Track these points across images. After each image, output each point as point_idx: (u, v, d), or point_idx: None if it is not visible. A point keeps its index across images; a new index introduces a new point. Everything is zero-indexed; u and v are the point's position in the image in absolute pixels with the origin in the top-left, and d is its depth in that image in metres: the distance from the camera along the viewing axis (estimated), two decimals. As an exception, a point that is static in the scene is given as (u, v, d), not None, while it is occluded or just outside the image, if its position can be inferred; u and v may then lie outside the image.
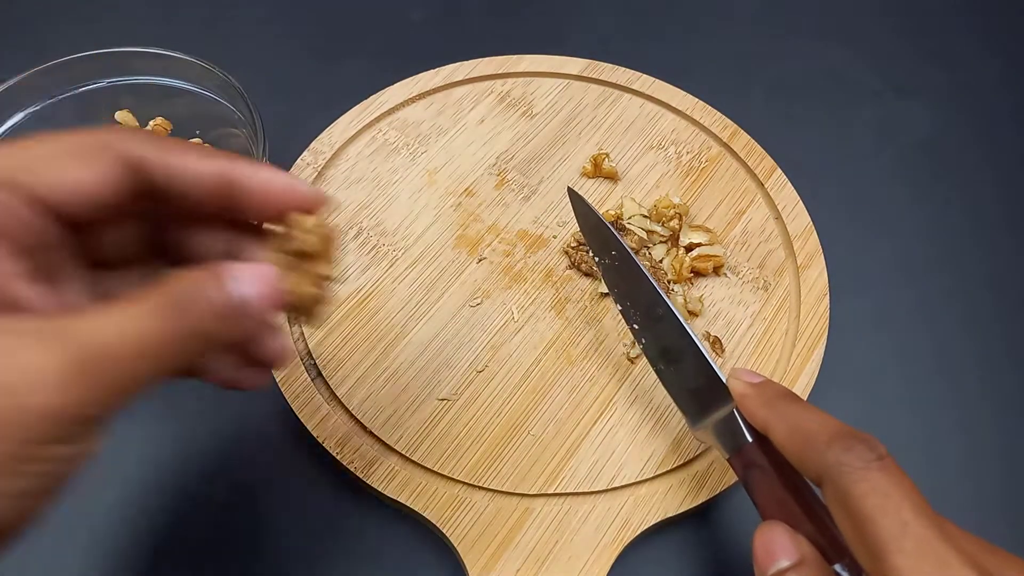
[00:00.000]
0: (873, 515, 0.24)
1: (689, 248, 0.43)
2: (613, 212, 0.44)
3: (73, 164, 0.21)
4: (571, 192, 0.39)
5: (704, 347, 0.33)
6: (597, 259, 0.37)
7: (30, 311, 0.20)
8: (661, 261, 0.42)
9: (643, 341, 0.36)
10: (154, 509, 0.38)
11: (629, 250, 0.36)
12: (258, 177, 0.24)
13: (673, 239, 0.43)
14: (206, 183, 0.23)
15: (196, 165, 0.23)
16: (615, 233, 0.36)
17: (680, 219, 0.43)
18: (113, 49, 0.44)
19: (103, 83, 0.45)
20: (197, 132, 0.46)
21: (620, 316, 0.41)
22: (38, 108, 0.43)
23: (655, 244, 0.43)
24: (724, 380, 0.32)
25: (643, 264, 0.36)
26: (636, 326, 0.36)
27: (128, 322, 0.20)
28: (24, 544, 0.36)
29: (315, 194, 0.25)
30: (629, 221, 0.43)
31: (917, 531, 0.24)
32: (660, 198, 0.44)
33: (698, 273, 0.43)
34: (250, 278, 0.22)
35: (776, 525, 0.27)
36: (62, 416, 0.19)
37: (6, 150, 0.20)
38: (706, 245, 0.43)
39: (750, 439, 0.31)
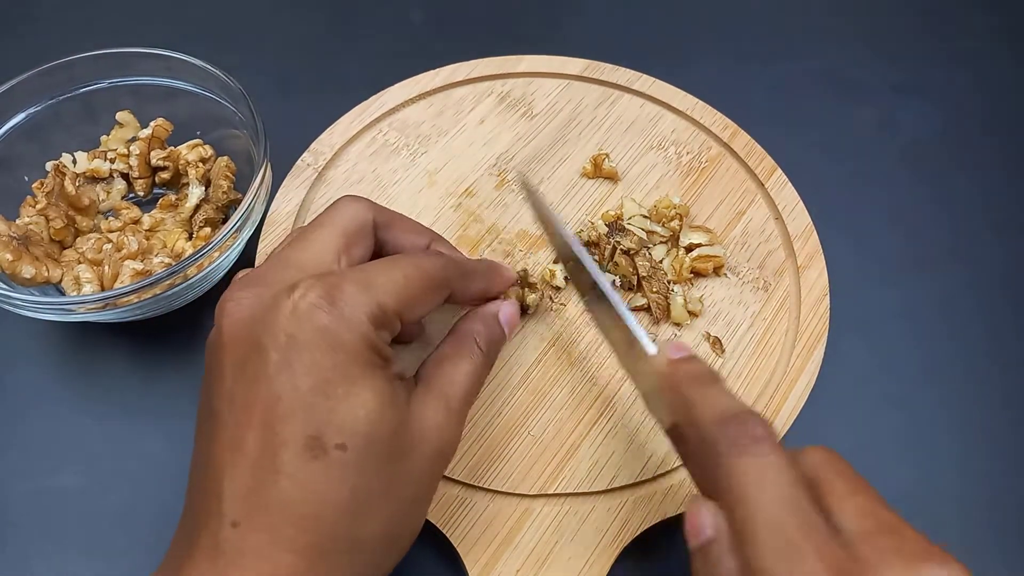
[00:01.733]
0: (736, 502, 0.24)
1: (689, 249, 0.43)
2: (613, 212, 0.44)
3: (430, 301, 0.31)
4: (523, 182, 0.39)
5: (636, 325, 0.32)
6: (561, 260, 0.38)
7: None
8: (661, 262, 0.42)
9: (588, 311, 0.38)
10: (154, 511, 0.38)
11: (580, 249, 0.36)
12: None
13: (673, 240, 0.43)
14: (474, 296, 0.35)
15: (473, 286, 0.34)
16: (563, 228, 0.36)
17: (680, 219, 0.43)
18: (114, 50, 0.44)
19: (104, 83, 0.45)
20: (198, 132, 0.46)
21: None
22: (39, 108, 0.44)
23: (655, 244, 0.43)
24: (650, 354, 0.31)
25: (588, 254, 0.36)
26: (590, 308, 0.38)
27: (474, 370, 0.32)
28: (31, 546, 0.36)
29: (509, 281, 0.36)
30: (629, 222, 0.43)
31: (773, 524, 0.23)
32: (660, 199, 0.44)
33: (698, 274, 0.43)
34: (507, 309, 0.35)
35: (704, 502, 0.27)
36: (452, 450, 0.30)
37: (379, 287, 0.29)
38: (706, 245, 0.43)
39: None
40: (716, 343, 0.41)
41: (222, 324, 0.28)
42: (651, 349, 0.31)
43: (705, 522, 0.26)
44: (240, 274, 0.30)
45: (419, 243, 0.34)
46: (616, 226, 0.43)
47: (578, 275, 0.37)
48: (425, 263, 0.30)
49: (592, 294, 0.36)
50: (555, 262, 0.42)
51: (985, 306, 0.46)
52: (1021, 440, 0.42)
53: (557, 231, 0.37)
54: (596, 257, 0.42)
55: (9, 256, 0.38)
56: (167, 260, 0.41)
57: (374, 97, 0.49)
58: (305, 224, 0.35)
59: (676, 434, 0.30)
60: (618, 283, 0.42)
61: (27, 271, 0.38)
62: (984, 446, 0.41)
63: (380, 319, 0.28)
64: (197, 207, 0.44)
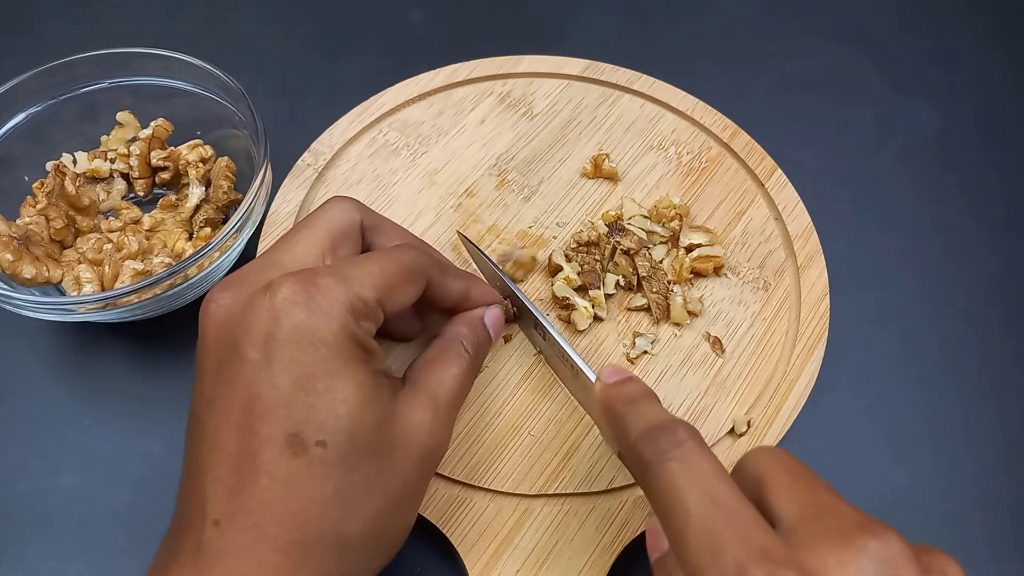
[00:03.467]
0: (666, 510, 0.24)
1: (689, 249, 0.43)
2: (613, 213, 0.44)
3: (408, 291, 0.31)
4: (461, 236, 0.42)
5: (577, 358, 0.34)
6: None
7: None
8: (661, 262, 0.42)
9: (540, 352, 0.39)
10: (154, 511, 0.38)
11: (518, 292, 0.38)
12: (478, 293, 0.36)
13: (673, 240, 0.43)
14: (455, 297, 0.34)
15: (452, 285, 0.34)
16: (505, 277, 0.38)
17: (680, 220, 0.43)
18: (114, 50, 0.44)
19: (104, 83, 0.45)
20: (198, 133, 0.46)
21: (619, 317, 0.42)
22: (39, 108, 0.44)
23: (655, 245, 0.43)
24: (592, 382, 0.32)
25: (527, 298, 0.38)
26: (537, 347, 0.39)
27: (461, 372, 0.32)
28: (31, 546, 0.36)
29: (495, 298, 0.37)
30: (629, 222, 0.43)
31: (699, 523, 0.23)
32: (660, 199, 0.44)
33: (698, 274, 0.43)
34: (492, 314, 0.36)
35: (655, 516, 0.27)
36: (441, 450, 0.30)
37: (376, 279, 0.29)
38: (706, 246, 0.43)
39: None
40: (716, 343, 0.41)
41: (203, 327, 0.28)
42: (592, 377, 0.32)
43: (658, 537, 0.26)
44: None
45: (461, 289, 0.35)
46: (616, 226, 0.43)
47: (524, 317, 0.38)
48: (397, 254, 0.31)
49: (537, 333, 0.37)
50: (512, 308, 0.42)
51: (984, 306, 0.46)
52: (1019, 439, 0.42)
53: (493, 271, 0.38)
54: (596, 257, 0.42)
55: (10, 256, 0.38)
56: (167, 260, 0.41)
57: (374, 97, 0.49)
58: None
59: (622, 457, 0.30)
60: (621, 283, 0.42)
61: (28, 271, 0.38)
62: (983, 445, 0.42)
63: (360, 310, 0.27)
64: (197, 207, 0.44)
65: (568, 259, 0.42)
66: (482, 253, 0.40)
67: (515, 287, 0.38)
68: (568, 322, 0.41)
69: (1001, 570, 0.38)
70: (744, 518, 0.23)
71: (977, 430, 0.42)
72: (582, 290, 0.41)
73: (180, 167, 0.45)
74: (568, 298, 0.41)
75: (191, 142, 0.45)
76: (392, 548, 0.29)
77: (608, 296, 0.42)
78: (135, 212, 0.44)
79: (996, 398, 0.43)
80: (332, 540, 0.26)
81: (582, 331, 0.41)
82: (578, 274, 0.41)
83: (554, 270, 0.42)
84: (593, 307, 0.41)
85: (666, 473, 0.25)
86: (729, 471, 0.26)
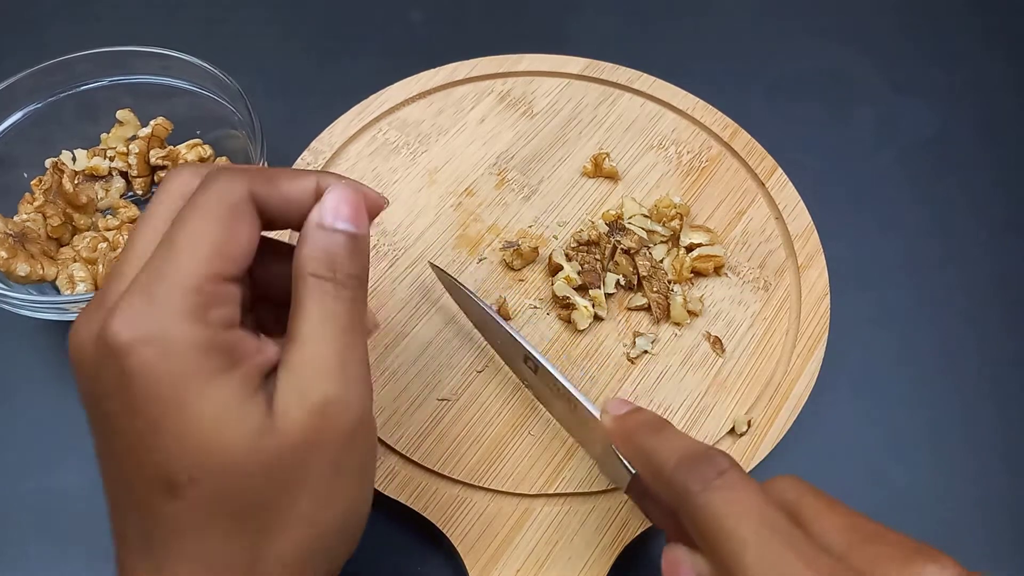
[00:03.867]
0: (716, 538, 0.24)
1: (690, 248, 0.43)
2: (613, 212, 0.44)
3: (239, 233, 0.24)
4: (433, 267, 0.40)
5: (576, 391, 0.32)
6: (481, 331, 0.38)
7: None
8: (661, 261, 0.42)
9: (528, 387, 0.37)
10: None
11: (491, 310, 0.36)
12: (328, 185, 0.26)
13: (674, 239, 0.43)
14: (301, 201, 0.25)
15: (289, 188, 0.25)
16: (476, 297, 0.37)
17: (681, 219, 0.43)
18: (113, 48, 0.44)
19: (104, 82, 0.45)
20: (198, 132, 0.46)
21: (619, 317, 0.41)
22: (39, 106, 0.44)
23: (655, 244, 0.43)
24: (598, 416, 0.31)
25: (504, 322, 0.35)
26: (525, 381, 0.37)
27: (325, 311, 0.24)
28: (31, 546, 0.36)
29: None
30: (630, 221, 0.43)
31: (758, 549, 0.23)
32: (660, 198, 0.44)
33: (699, 273, 0.43)
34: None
35: (677, 547, 0.26)
36: (354, 421, 0.24)
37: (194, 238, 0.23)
38: (706, 245, 0.43)
39: (633, 471, 0.30)
40: (716, 343, 0.41)
41: (71, 364, 0.24)
42: (595, 412, 0.31)
43: (683, 567, 0.26)
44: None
45: (307, 187, 0.25)
46: (617, 225, 0.43)
47: (509, 348, 0.36)
48: (200, 199, 0.23)
49: (527, 367, 0.35)
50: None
51: (984, 305, 0.46)
52: (1019, 439, 0.42)
53: (478, 308, 0.37)
54: (597, 256, 0.42)
55: (4, 253, 0.38)
56: None
57: (374, 96, 0.49)
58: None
59: (637, 490, 0.30)
60: (622, 282, 0.42)
61: (22, 269, 0.38)
62: (983, 446, 0.41)
63: (198, 305, 0.22)
64: None
65: (568, 258, 0.42)
66: (456, 281, 0.38)
67: (502, 320, 0.35)
68: (568, 321, 0.41)
69: (1001, 570, 0.38)
70: (803, 542, 0.23)
71: (977, 430, 0.42)
72: (582, 289, 0.41)
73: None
74: (568, 297, 0.41)
75: (190, 141, 0.45)
76: (349, 542, 0.27)
77: (608, 296, 0.42)
78: (133, 211, 0.44)
79: (996, 398, 0.43)
80: (274, 562, 0.24)
81: (582, 330, 0.41)
82: (578, 273, 0.41)
83: (554, 269, 0.42)
84: (593, 306, 0.41)
85: (714, 502, 0.24)
86: None
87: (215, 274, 0.23)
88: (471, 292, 0.37)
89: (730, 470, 0.25)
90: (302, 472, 0.23)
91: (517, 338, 0.35)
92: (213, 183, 0.24)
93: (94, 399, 0.24)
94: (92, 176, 0.45)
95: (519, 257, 0.42)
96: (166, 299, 0.22)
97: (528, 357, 0.35)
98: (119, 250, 0.41)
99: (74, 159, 0.45)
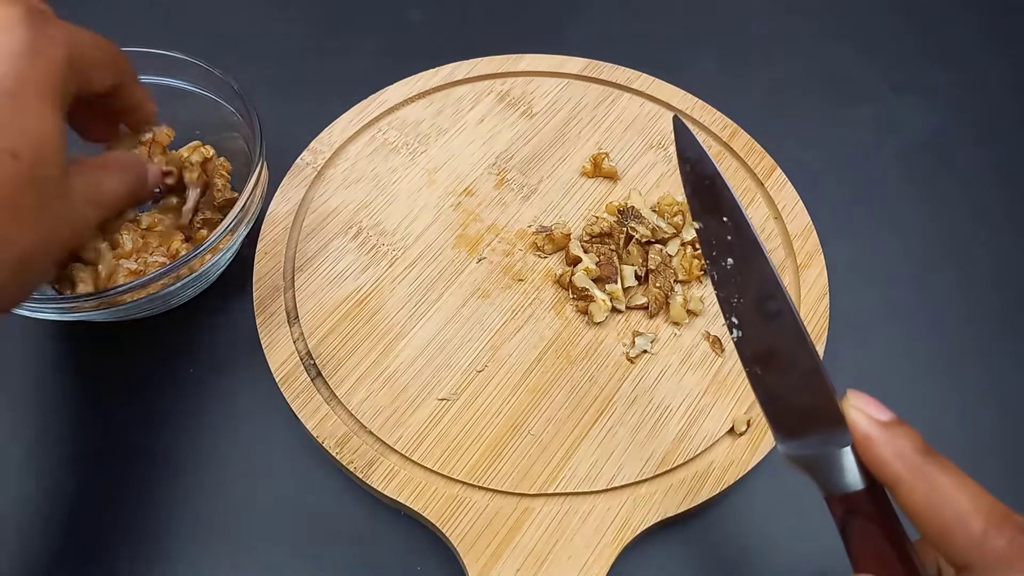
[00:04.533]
0: None
1: (695, 245, 0.43)
2: (617, 203, 0.44)
3: (106, 74, 0.34)
4: (677, 121, 0.31)
5: (821, 363, 0.27)
6: (697, 224, 0.30)
7: None
8: (672, 259, 0.42)
9: (737, 334, 0.29)
10: (153, 513, 0.38)
11: (747, 218, 0.28)
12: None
13: (680, 239, 0.43)
14: (136, 101, 0.38)
15: (138, 91, 0.38)
16: (730, 189, 0.29)
17: (684, 216, 0.43)
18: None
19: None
20: (197, 132, 0.46)
21: (619, 315, 0.41)
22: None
23: (669, 238, 0.43)
24: (842, 409, 0.27)
25: (762, 242, 0.28)
26: (735, 319, 0.29)
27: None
28: (32, 546, 0.36)
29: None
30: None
31: None
32: (664, 195, 0.44)
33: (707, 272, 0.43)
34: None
35: None
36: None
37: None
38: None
39: (863, 486, 0.26)
40: (716, 342, 0.41)
41: None
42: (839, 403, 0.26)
43: None
44: None
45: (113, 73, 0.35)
46: (632, 212, 0.42)
47: (745, 282, 0.29)
48: (107, 41, 0.34)
49: (755, 316, 0.28)
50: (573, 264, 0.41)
51: (984, 305, 0.46)
52: (1019, 439, 0.42)
53: None
54: (612, 246, 0.42)
55: None
56: (162, 259, 0.41)
57: (373, 96, 0.49)
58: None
59: (852, 505, 0.26)
60: (639, 273, 0.42)
61: None
62: (983, 445, 0.41)
63: (75, 64, 0.31)
64: (196, 209, 0.44)
65: (584, 251, 0.42)
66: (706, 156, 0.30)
67: (760, 241, 0.28)
68: (585, 313, 0.41)
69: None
70: None
71: (977, 430, 0.42)
72: (600, 281, 0.41)
73: (185, 171, 0.44)
74: (587, 289, 0.41)
75: (191, 144, 0.45)
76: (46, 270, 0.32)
77: (627, 289, 0.42)
78: (130, 212, 0.44)
79: (996, 398, 0.43)
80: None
81: (599, 323, 0.41)
82: (596, 264, 0.41)
83: (572, 261, 0.42)
84: (611, 300, 0.41)
85: None
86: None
87: (84, 68, 0.32)
88: (725, 180, 0.30)
89: None
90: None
91: (775, 273, 0.28)
92: (116, 48, 0.35)
93: None
94: None
95: (551, 242, 0.43)
96: (67, 40, 0.31)
97: (776, 299, 0.28)
98: (118, 250, 0.40)
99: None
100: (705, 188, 0.29)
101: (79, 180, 0.32)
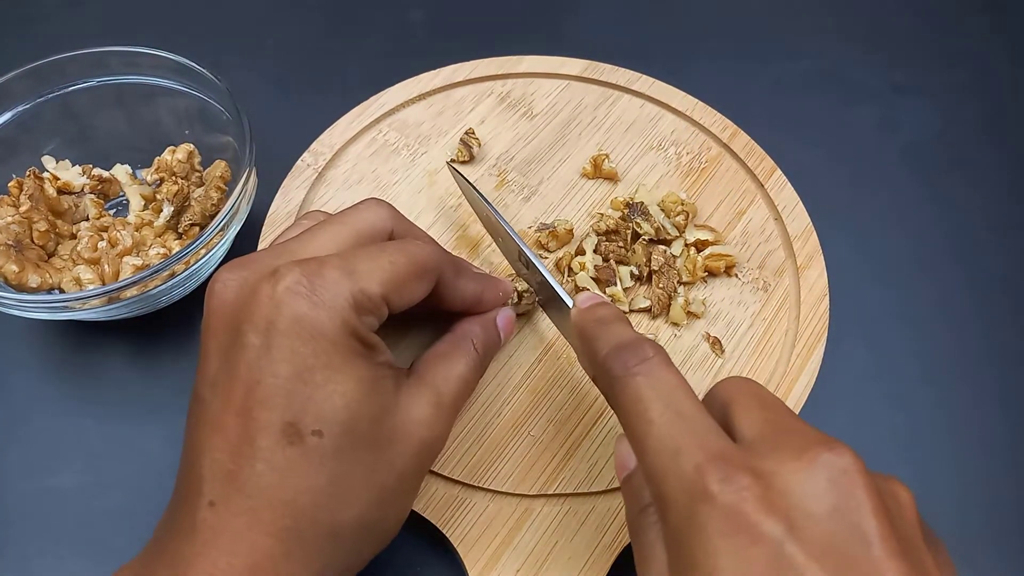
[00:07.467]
0: (628, 421, 0.25)
1: (698, 247, 0.43)
2: (623, 199, 0.44)
3: (417, 287, 0.30)
4: (451, 167, 0.42)
5: (555, 283, 0.34)
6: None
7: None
8: (675, 260, 0.42)
9: (535, 295, 0.39)
10: (153, 509, 0.38)
11: (493, 208, 0.38)
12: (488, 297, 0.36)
13: (681, 237, 0.43)
14: (467, 299, 0.34)
15: (466, 286, 0.34)
16: (480, 194, 0.38)
17: (687, 216, 0.43)
18: (102, 48, 0.43)
19: (92, 82, 0.44)
20: (187, 132, 0.46)
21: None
22: (27, 107, 0.43)
23: (673, 238, 0.43)
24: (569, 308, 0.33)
25: (504, 221, 0.37)
26: (532, 286, 0.39)
27: (468, 370, 0.33)
28: (31, 546, 0.36)
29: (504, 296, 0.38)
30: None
31: (660, 429, 0.24)
32: (668, 193, 0.44)
33: (712, 273, 0.43)
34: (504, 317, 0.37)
35: (622, 437, 0.28)
36: (438, 446, 0.30)
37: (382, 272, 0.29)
38: (714, 244, 0.43)
39: None
40: (716, 343, 0.41)
41: (208, 306, 0.28)
42: (569, 303, 0.32)
43: (625, 456, 0.27)
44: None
45: (475, 291, 0.35)
46: (639, 208, 0.42)
47: (508, 244, 0.38)
48: (412, 248, 0.30)
49: (520, 263, 0.38)
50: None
51: (984, 306, 0.46)
52: (1019, 440, 0.42)
53: (483, 206, 0.38)
54: (619, 243, 0.43)
55: (15, 267, 0.38)
56: (162, 251, 0.41)
57: (374, 97, 0.49)
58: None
59: (595, 379, 0.30)
60: (635, 272, 0.42)
61: (33, 280, 0.39)
62: (983, 446, 0.41)
63: (363, 305, 0.27)
64: (178, 219, 0.43)
65: (595, 250, 0.43)
66: (472, 186, 0.39)
67: (506, 223, 0.37)
68: None
69: (1007, 571, 0.38)
70: (704, 427, 0.24)
71: (980, 430, 0.42)
72: (600, 283, 0.42)
73: (164, 185, 0.44)
74: (588, 289, 0.41)
75: (170, 147, 0.44)
76: (384, 540, 0.30)
77: (626, 289, 0.42)
78: (107, 219, 0.44)
79: (999, 398, 0.43)
80: (325, 528, 0.26)
81: None
82: (596, 267, 0.42)
83: (579, 253, 0.43)
84: (613, 301, 0.41)
85: (632, 386, 0.26)
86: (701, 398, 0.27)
87: (385, 296, 0.28)
88: (478, 191, 0.39)
89: (654, 357, 0.26)
90: (397, 462, 0.28)
91: (513, 236, 0.37)
92: (427, 248, 0.31)
93: (234, 331, 0.27)
94: (65, 191, 0.44)
95: (554, 239, 0.43)
96: (351, 286, 0.27)
97: (521, 254, 0.37)
98: (119, 247, 0.41)
99: (56, 164, 0.44)
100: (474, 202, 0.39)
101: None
